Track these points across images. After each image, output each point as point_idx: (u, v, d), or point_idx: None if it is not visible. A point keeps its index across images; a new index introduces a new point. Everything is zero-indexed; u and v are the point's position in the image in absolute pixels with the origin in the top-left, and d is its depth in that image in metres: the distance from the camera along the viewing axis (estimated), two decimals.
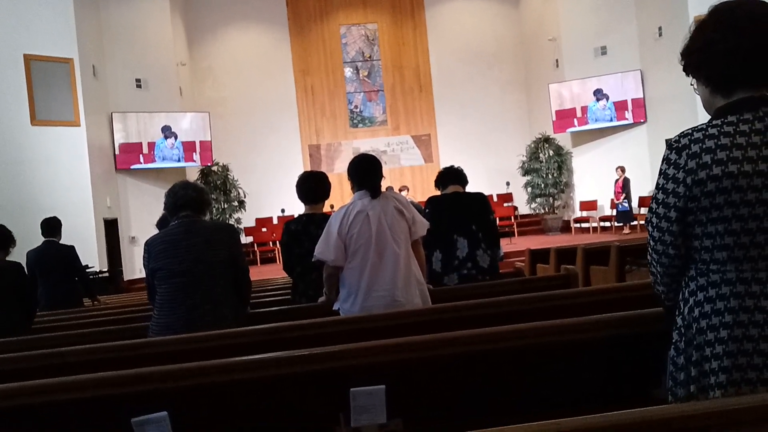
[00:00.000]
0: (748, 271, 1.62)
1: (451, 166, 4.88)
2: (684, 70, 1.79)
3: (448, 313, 3.08)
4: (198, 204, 3.49)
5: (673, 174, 1.66)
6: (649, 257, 1.81)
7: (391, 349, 2.19)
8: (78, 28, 12.25)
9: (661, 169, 1.70)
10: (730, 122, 1.63)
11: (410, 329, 2.59)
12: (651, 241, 1.77)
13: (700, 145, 1.62)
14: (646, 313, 2.26)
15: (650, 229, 1.76)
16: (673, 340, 1.76)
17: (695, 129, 1.66)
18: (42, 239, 6.55)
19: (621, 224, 14.23)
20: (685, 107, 12.38)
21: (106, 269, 12.28)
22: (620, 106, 14.93)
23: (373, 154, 4.13)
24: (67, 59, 12.03)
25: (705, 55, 1.69)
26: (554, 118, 15.77)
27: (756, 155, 1.58)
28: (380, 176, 3.59)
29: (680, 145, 1.66)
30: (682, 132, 1.68)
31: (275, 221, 16.86)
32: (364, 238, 3.40)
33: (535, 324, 2.30)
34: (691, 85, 1.80)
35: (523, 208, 17.24)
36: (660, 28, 13.71)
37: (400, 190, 13.62)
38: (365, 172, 3.56)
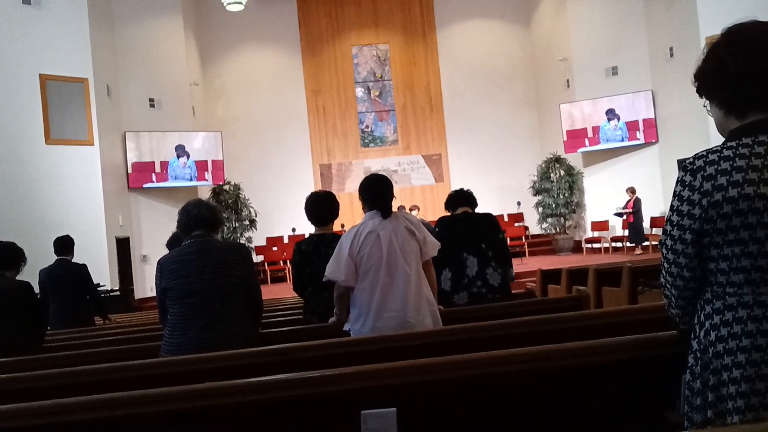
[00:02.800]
0: (765, 294, 1.60)
1: (461, 189, 4.89)
2: (697, 91, 1.78)
3: (459, 335, 3.06)
4: (211, 223, 3.50)
5: (688, 196, 1.65)
6: (663, 280, 1.79)
7: (402, 371, 2.18)
8: (93, 49, 12.41)
9: (675, 191, 1.69)
10: (746, 144, 1.62)
11: (421, 351, 2.57)
12: (665, 264, 1.75)
13: (716, 167, 1.61)
14: (659, 336, 2.24)
15: (664, 251, 1.74)
16: (689, 365, 1.74)
17: (710, 151, 1.65)
18: (54, 257, 6.58)
19: (633, 244, 14.15)
20: (696, 127, 12.34)
21: (117, 288, 12.31)
22: (632, 126, 14.90)
23: (384, 173, 4.12)
24: (82, 79, 12.17)
25: (718, 77, 1.69)
26: (565, 138, 15.76)
27: None
28: (391, 196, 3.59)
29: (695, 166, 1.64)
30: (697, 154, 1.67)
31: (286, 240, 16.89)
32: (374, 259, 3.39)
33: (547, 347, 2.28)
34: (704, 106, 1.79)
35: (534, 228, 17.18)
36: (671, 49, 13.72)
37: (411, 210, 13.62)
38: (376, 192, 3.56)
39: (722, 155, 1.62)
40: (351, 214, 15.48)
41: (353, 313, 3.49)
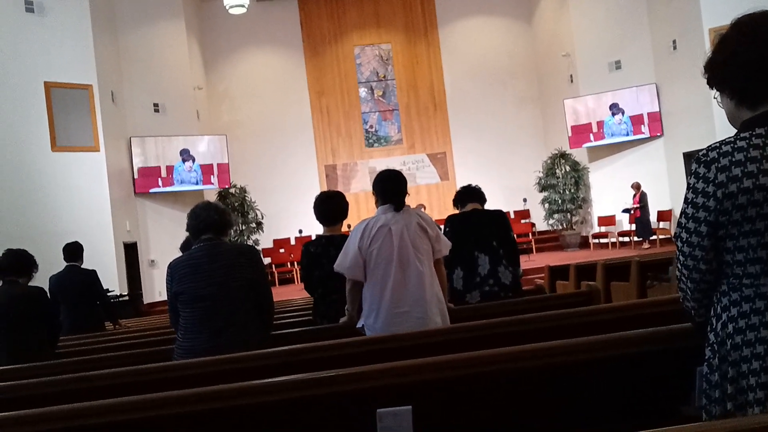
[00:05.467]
0: None
1: (470, 185, 4.86)
2: (708, 83, 1.77)
3: (472, 332, 3.05)
4: (220, 226, 3.50)
5: (702, 188, 1.64)
6: (678, 273, 1.78)
7: (417, 369, 2.18)
8: (97, 55, 12.44)
9: (689, 184, 1.68)
10: (759, 134, 1.61)
11: (434, 348, 2.57)
12: (681, 257, 1.74)
13: (729, 158, 1.60)
14: (672, 329, 2.23)
15: (680, 244, 1.73)
16: (706, 357, 1.73)
17: (723, 142, 1.64)
18: (64, 264, 6.60)
19: (641, 239, 14.10)
20: (701, 120, 12.30)
21: (126, 293, 12.34)
22: (636, 120, 14.85)
23: None
24: (87, 85, 12.20)
25: (729, 68, 1.68)
26: (570, 134, 15.72)
27: None
28: (405, 191, 3.60)
29: (709, 158, 1.64)
30: (710, 145, 1.66)
31: (293, 242, 16.90)
32: (386, 253, 3.40)
33: (561, 342, 2.27)
34: (715, 98, 1.78)
35: (541, 225, 17.15)
36: (674, 41, 13.67)
37: (417, 208, 13.61)
38: (391, 186, 3.58)
39: (736, 146, 1.61)
40: (357, 215, 15.48)
41: (364, 309, 3.49)
